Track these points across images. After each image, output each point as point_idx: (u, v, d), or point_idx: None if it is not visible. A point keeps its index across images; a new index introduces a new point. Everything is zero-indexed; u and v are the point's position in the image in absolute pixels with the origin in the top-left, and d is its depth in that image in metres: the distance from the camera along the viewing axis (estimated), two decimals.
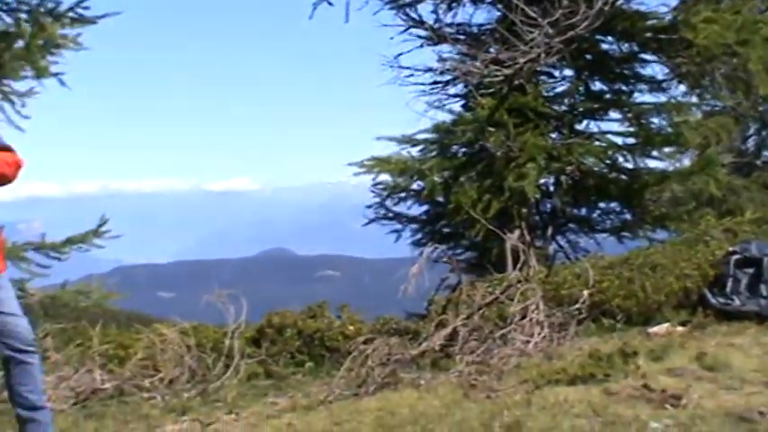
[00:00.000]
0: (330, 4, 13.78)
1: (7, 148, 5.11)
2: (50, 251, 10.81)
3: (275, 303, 10.19)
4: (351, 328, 8.58)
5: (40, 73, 10.28)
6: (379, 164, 15.20)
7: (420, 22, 14.30)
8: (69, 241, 10.91)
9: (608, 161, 14.84)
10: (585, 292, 8.65)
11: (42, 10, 10.73)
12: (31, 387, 5.23)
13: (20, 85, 10.37)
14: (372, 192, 15.36)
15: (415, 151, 15.42)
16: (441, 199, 14.87)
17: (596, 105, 14.93)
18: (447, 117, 15.23)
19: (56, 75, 10.83)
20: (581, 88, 14.93)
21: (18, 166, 5.08)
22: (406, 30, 14.38)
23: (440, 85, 14.91)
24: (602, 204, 15.29)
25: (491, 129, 14.39)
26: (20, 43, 10.74)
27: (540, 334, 7.87)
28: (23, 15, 10.80)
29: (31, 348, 5.29)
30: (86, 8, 10.68)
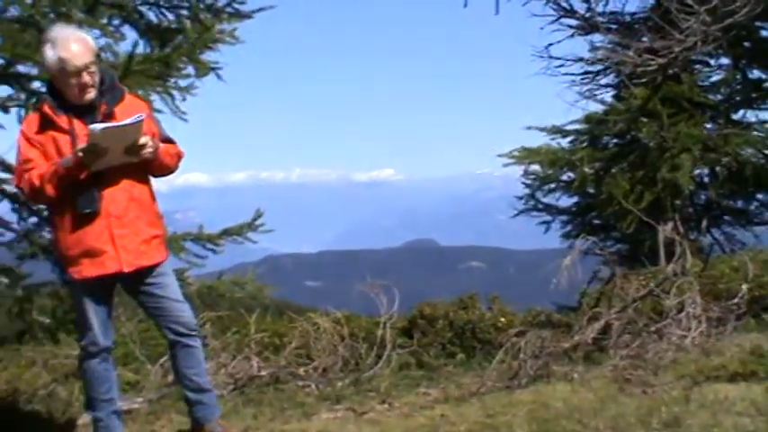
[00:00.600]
0: None
1: (169, 140, 5.23)
2: (207, 242, 10.99)
3: (420, 294, 10.23)
4: (502, 320, 8.55)
5: (201, 69, 10.39)
6: (529, 154, 15.07)
7: (571, 12, 14.10)
8: (225, 233, 11.05)
9: (767, 151, 14.34)
10: (744, 287, 8.38)
11: (201, 6, 10.80)
12: (197, 370, 5.40)
13: (180, 80, 10.44)
14: (522, 182, 15.23)
15: (565, 142, 15.24)
16: (591, 190, 14.67)
17: (754, 94, 14.45)
18: (598, 107, 15.00)
19: (213, 69, 10.87)
20: (738, 77, 14.48)
21: (179, 156, 5.23)
22: (556, 19, 14.20)
23: (591, 75, 14.67)
24: (759, 196, 14.80)
25: (644, 119, 14.11)
26: (179, 39, 10.80)
27: (697, 329, 7.67)
28: (184, 12, 10.89)
29: (194, 333, 5.44)
30: (242, 2, 10.67)
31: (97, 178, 4.97)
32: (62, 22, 5.80)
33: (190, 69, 10.52)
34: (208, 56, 10.61)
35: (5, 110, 9.81)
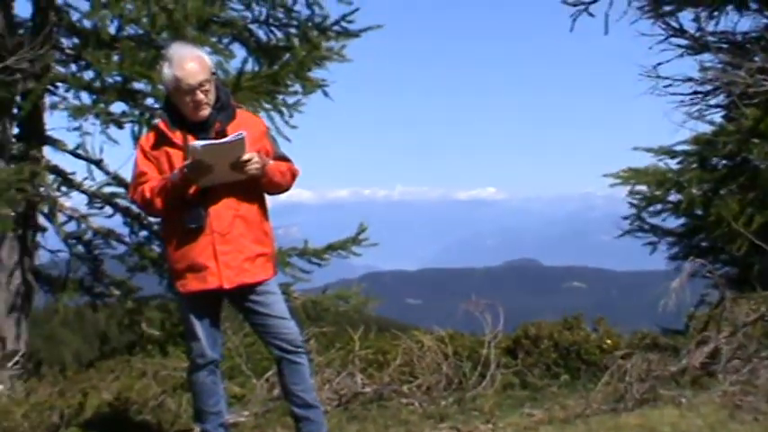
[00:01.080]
0: (591, 15, 13.49)
1: (284, 158, 5.26)
2: (312, 257, 11.11)
3: (521, 314, 10.12)
4: (608, 341, 8.43)
5: (309, 87, 10.56)
6: (636, 175, 14.82)
7: (681, 31, 13.84)
8: (330, 248, 11.20)
9: None
10: None
11: (310, 24, 10.95)
12: (303, 386, 5.43)
13: (288, 97, 10.58)
14: (628, 203, 14.99)
15: (673, 163, 14.93)
16: (699, 212, 14.35)
17: None
18: (707, 128, 14.67)
19: (320, 86, 11.02)
20: None
21: (293, 174, 5.24)
22: (665, 39, 13.95)
23: (700, 95, 14.35)
24: None
25: (755, 140, 13.77)
26: (288, 57, 10.97)
27: None
28: (293, 30, 11.06)
29: (299, 349, 5.48)
30: (351, 22, 10.81)
31: (205, 195, 5.02)
32: (178, 41, 6.02)
33: (297, 87, 10.70)
34: (315, 73, 10.72)
35: (120, 125, 10.16)
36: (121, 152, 11.05)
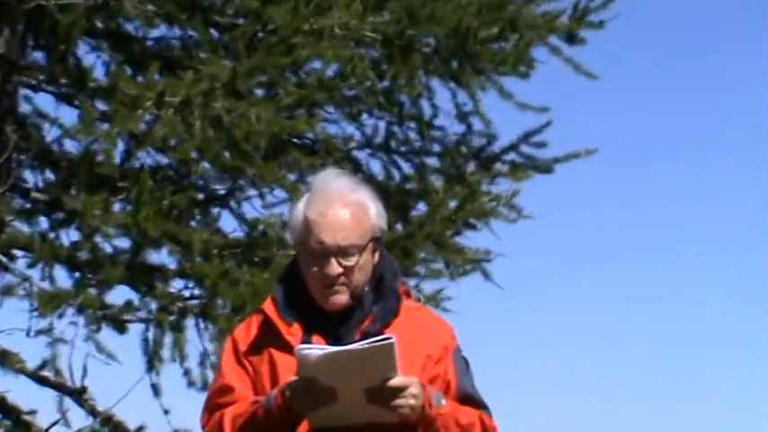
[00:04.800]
0: None
1: (474, 401, 3.67)
2: None
3: None
4: None
5: (458, 264, 7.86)
6: None
7: None
8: None
9: None
10: None
11: (464, 150, 8.14)
12: None
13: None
14: None
15: None
16: None
17: None
18: None
19: (479, 262, 8.42)
20: None
21: None
22: None
23: None
24: None
25: None
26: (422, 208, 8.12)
27: None
28: (431, 160, 8.88)
29: None
30: (542, 146, 8.60)
31: None
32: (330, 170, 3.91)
33: (439, 263, 7.76)
34: (469, 239, 7.93)
35: (121, 326, 7.46)
36: (120, 375, 8.22)
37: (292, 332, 3.68)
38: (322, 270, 3.60)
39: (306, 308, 3.72)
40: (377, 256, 3.65)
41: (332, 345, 3.59)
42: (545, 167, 7.58)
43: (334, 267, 3.58)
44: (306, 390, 3.54)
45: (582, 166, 7.79)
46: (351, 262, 3.60)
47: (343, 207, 3.61)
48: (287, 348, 3.67)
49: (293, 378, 3.56)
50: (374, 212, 3.65)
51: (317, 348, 3.57)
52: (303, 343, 3.67)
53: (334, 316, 3.70)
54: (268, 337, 3.76)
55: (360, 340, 3.59)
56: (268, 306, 3.78)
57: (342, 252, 3.59)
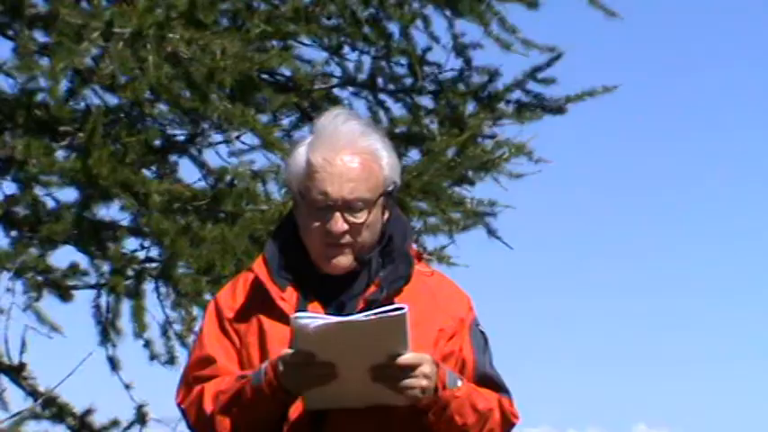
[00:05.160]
0: None
1: (492, 381, 3.49)
2: None
3: None
4: None
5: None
6: None
7: None
8: None
9: None
10: None
11: (462, 87, 7.58)
12: None
13: None
14: None
15: None
16: None
17: None
18: None
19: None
20: None
21: (507, 419, 3.51)
22: None
23: None
24: None
25: None
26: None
27: None
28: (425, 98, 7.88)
29: None
30: (551, 82, 7.53)
31: (316, 426, 3.36)
32: (337, 109, 3.63)
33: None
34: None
35: (65, 293, 6.81)
36: (65, 350, 7.85)
37: (285, 297, 3.46)
38: (324, 226, 3.38)
39: (302, 270, 3.52)
40: (387, 213, 3.41)
41: (332, 314, 3.37)
42: (555, 108, 6.85)
43: (339, 223, 3.35)
44: (301, 365, 3.30)
45: (598, 107, 7.05)
46: (358, 219, 3.38)
47: (352, 154, 3.35)
48: (279, 316, 3.46)
49: (287, 351, 3.31)
50: (387, 163, 3.37)
51: (317, 318, 3.33)
52: (298, 310, 3.45)
53: (335, 280, 3.47)
54: (257, 303, 3.55)
55: (364, 309, 3.39)
56: (258, 266, 3.54)
57: (348, 206, 3.36)
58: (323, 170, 3.34)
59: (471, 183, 6.81)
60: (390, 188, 3.33)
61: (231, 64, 6.01)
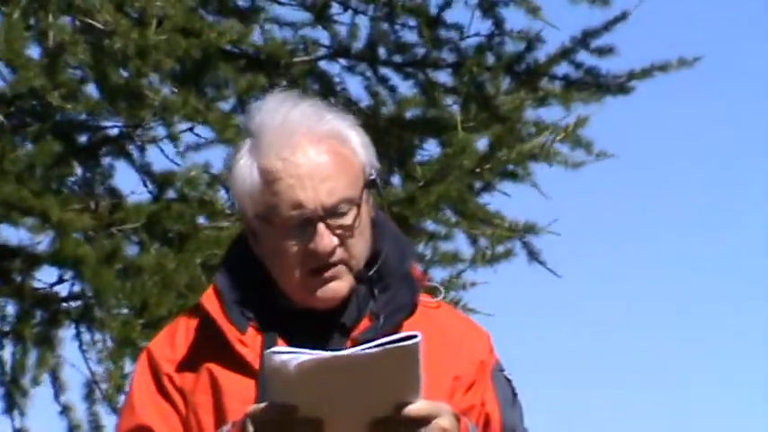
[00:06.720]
0: None
1: None
2: None
3: None
4: None
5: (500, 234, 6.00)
6: None
7: None
8: None
9: None
10: None
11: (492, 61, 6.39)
12: None
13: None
14: None
15: None
16: None
17: None
18: None
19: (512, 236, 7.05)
20: None
21: None
22: None
23: None
24: None
25: None
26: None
27: None
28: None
29: None
30: (607, 52, 6.26)
31: None
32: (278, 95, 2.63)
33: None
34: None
35: None
36: None
37: (247, 341, 3.14)
38: (305, 247, 3.12)
39: (264, 305, 3.08)
40: (369, 211, 3.03)
41: (310, 351, 3.08)
42: (616, 86, 5.57)
43: (326, 239, 3.14)
44: (278, 423, 2.96)
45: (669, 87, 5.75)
46: (349, 221, 3.09)
47: (315, 144, 3.05)
48: (239, 366, 3.19)
49: (257, 406, 2.91)
50: (359, 143, 2.95)
51: (300, 353, 2.88)
52: (260, 354, 3.22)
53: (310, 317, 3.16)
54: (207, 350, 3.20)
55: (352, 345, 3.17)
56: (209, 301, 3.08)
57: (331, 213, 3.11)
58: (286, 175, 2.88)
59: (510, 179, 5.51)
60: (372, 176, 2.79)
61: (168, 39, 4.74)
